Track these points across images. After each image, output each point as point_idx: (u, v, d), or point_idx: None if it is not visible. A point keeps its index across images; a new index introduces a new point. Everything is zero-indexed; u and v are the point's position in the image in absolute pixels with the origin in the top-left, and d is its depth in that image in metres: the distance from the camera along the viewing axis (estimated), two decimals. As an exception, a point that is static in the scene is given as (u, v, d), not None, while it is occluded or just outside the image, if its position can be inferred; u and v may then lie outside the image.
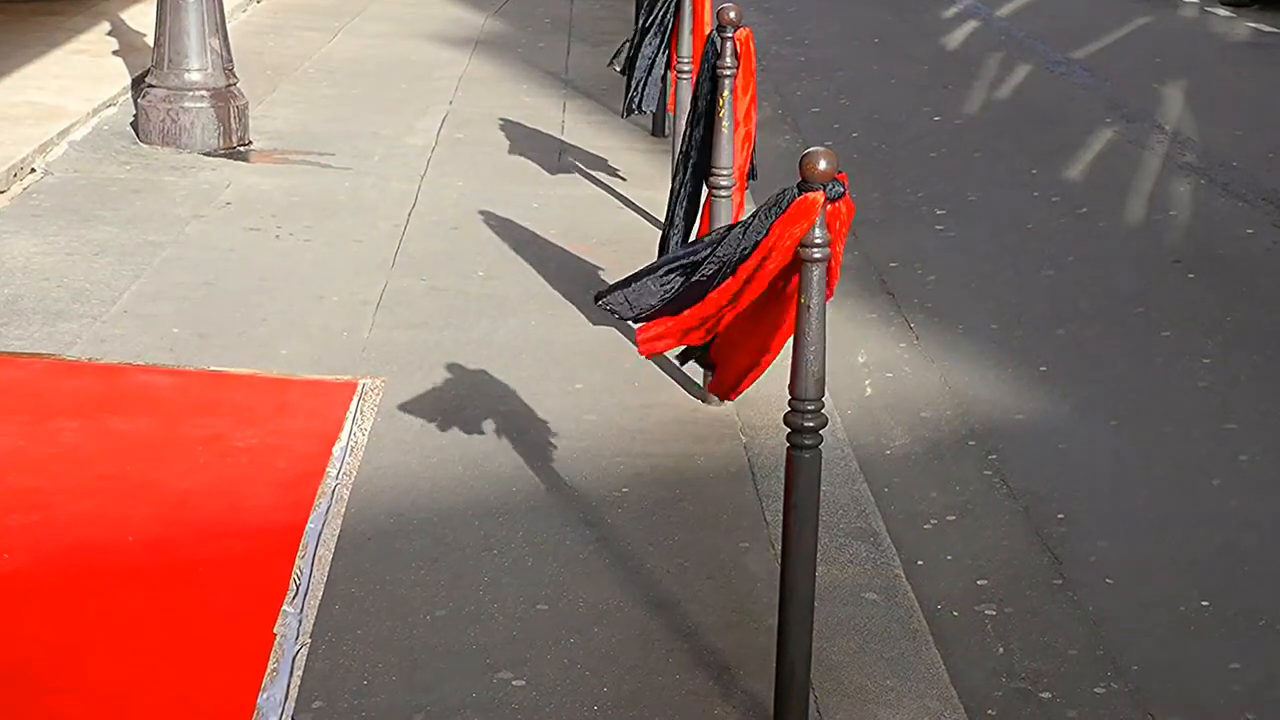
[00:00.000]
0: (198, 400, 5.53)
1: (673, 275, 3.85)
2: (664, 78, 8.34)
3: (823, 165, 3.50)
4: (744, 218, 3.75)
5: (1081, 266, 7.82)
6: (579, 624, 4.19)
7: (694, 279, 3.78)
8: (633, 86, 8.23)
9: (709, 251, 3.75)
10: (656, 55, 8.16)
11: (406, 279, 6.86)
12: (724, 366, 4.27)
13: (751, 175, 6.15)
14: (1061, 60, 12.80)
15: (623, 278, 4.00)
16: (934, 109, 11.06)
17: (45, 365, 5.73)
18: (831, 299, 3.65)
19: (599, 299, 4.01)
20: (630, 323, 4.05)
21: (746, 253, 3.64)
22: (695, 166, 5.90)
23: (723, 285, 3.73)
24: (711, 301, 3.78)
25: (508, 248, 7.33)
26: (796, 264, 3.56)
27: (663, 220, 6.23)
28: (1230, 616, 4.72)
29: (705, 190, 5.91)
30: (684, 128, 6.11)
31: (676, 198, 5.99)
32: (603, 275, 6.94)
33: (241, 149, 8.80)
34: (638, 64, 8.22)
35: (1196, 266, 7.84)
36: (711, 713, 3.85)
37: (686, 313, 3.86)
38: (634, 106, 8.28)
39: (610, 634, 4.15)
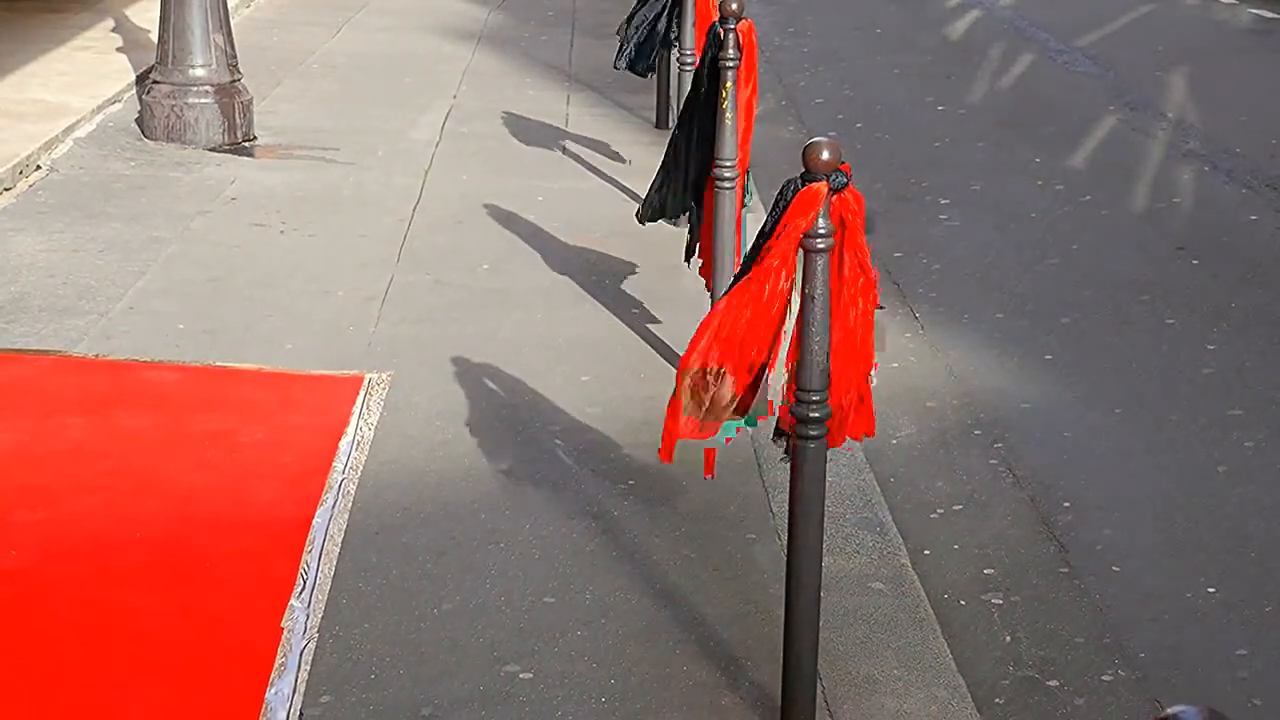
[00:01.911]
0: (204, 396, 5.54)
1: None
2: (661, 43, 8.54)
3: (826, 156, 3.49)
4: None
5: (1086, 254, 7.82)
6: (586, 616, 4.20)
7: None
8: (628, 45, 8.57)
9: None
10: (656, 19, 8.46)
11: (411, 274, 6.87)
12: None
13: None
14: (1064, 49, 12.78)
15: None
16: (937, 99, 11.05)
17: (51, 362, 5.74)
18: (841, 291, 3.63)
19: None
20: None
21: (757, 248, 3.63)
22: (686, 150, 5.93)
23: (739, 285, 3.70)
24: (731, 304, 3.74)
25: (512, 242, 7.33)
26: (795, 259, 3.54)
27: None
28: (1237, 603, 4.72)
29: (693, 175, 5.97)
30: (680, 109, 6.13)
31: (663, 167, 6.04)
32: (607, 267, 6.95)
33: (246, 144, 8.81)
34: (634, 24, 8.56)
35: (1201, 253, 7.84)
36: (719, 703, 3.86)
37: (717, 322, 3.79)
38: (626, 65, 8.63)
39: (617, 626, 4.16)
